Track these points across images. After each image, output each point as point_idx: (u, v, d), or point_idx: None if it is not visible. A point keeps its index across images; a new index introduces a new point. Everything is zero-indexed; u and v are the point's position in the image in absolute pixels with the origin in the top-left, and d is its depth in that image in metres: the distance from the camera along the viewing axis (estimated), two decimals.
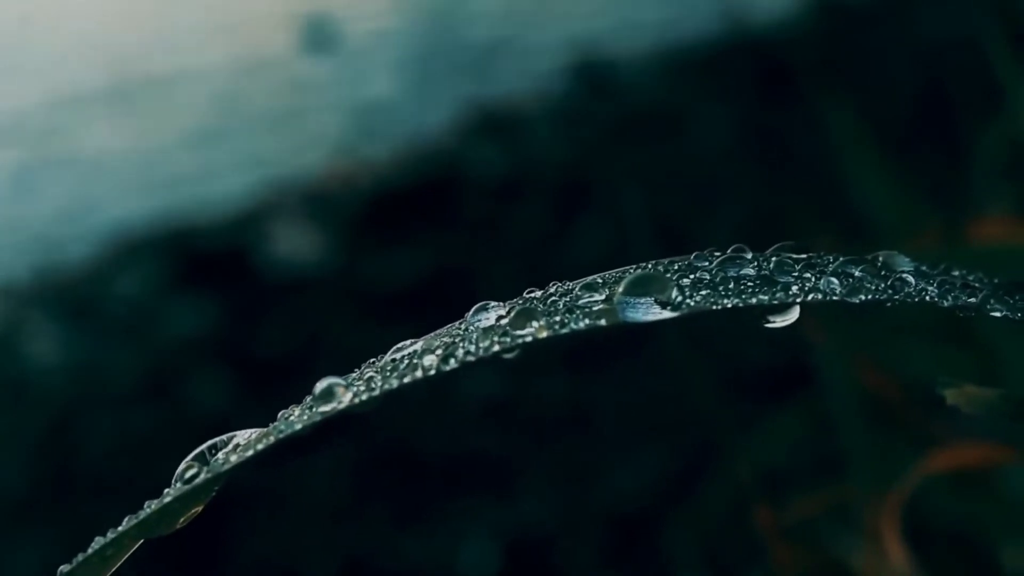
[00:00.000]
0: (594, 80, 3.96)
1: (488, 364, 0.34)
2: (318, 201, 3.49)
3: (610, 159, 3.35)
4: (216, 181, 3.67)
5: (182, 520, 0.35)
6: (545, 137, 3.65)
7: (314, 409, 0.35)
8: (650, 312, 0.34)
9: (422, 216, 3.28)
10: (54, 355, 2.94)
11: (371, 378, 0.35)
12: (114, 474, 2.41)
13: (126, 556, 0.35)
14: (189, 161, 3.89)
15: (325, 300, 2.95)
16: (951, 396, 0.46)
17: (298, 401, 0.37)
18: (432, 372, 0.34)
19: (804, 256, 0.38)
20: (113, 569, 0.35)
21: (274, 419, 0.37)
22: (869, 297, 0.37)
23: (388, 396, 0.33)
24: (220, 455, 0.36)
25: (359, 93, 4.22)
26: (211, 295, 3.05)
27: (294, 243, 3.29)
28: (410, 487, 2.32)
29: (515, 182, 3.36)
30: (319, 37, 4.58)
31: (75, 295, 3.16)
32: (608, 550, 2.09)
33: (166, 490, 0.35)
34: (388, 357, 0.36)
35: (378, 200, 3.42)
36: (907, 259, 0.39)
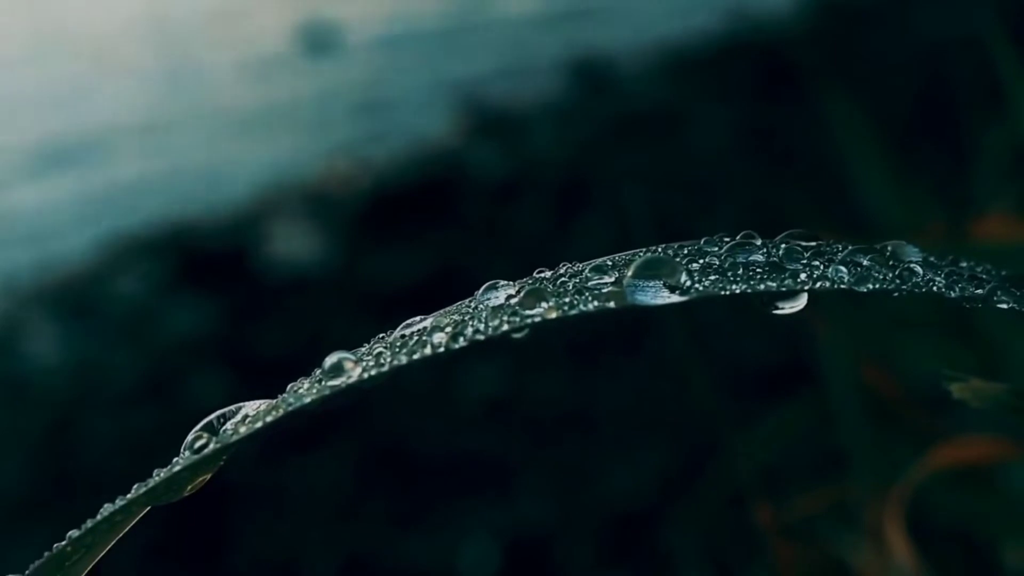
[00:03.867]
0: (594, 79, 3.96)
1: (489, 359, 0.34)
2: (318, 201, 3.49)
3: (611, 158, 3.35)
4: (217, 180, 3.67)
5: (189, 488, 0.35)
6: (544, 137, 3.65)
7: (323, 383, 0.34)
8: (659, 296, 0.34)
9: (422, 216, 3.27)
10: (54, 355, 2.94)
11: (380, 353, 0.35)
12: (114, 474, 2.41)
13: (134, 522, 0.35)
14: (190, 162, 3.89)
15: (325, 300, 2.95)
16: (957, 390, 0.46)
17: None
18: (441, 349, 0.33)
19: (813, 244, 0.38)
20: (121, 534, 0.35)
21: None
22: (877, 287, 0.36)
23: (396, 372, 0.33)
24: (229, 425, 0.35)
25: (359, 93, 4.22)
26: (211, 295, 3.05)
27: (294, 243, 3.29)
28: (410, 486, 2.32)
29: (515, 182, 3.36)
30: (319, 39, 4.58)
31: (75, 295, 3.16)
32: (608, 548, 2.08)
33: (175, 459, 0.35)
34: (397, 333, 0.36)
35: (378, 200, 3.42)
36: (916, 249, 0.39)
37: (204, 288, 3.10)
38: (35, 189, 3.84)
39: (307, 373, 0.37)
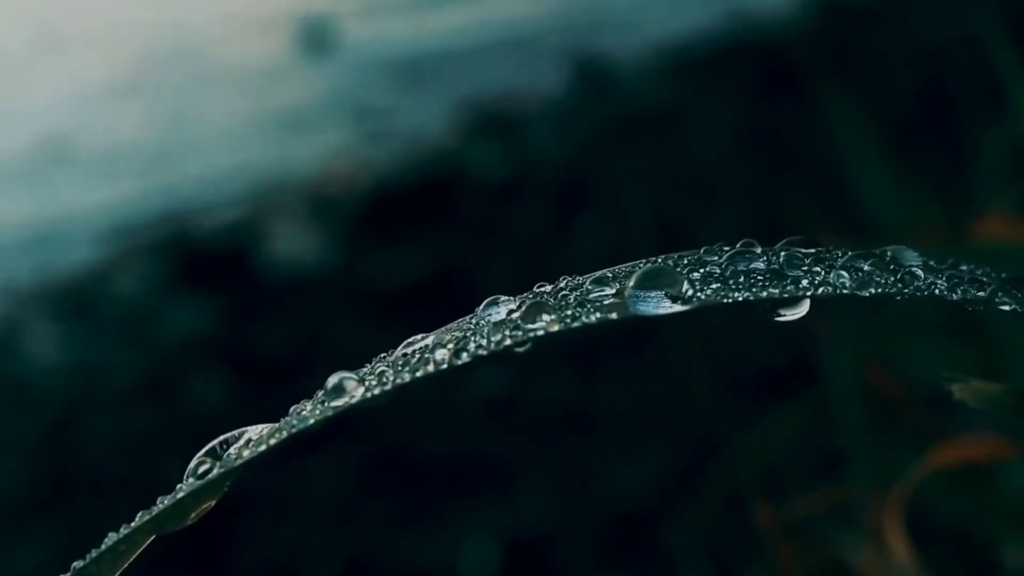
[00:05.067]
0: (594, 79, 3.96)
1: (490, 362, 0.34)
2: (318, 201, 3.49)
3: (611, 158, 3.35)
4: (218, 180, 3.67)
5: (194, 515, 0.35)
6: (544, 137, 3.65)
7: (326, 404, 0.35)
8: (661, 306, 0.34)
9: (422, 216, 3.28)
10: (54, 355, 2.94)
11: (383, 372, 0.35)
12: (114, 474, 2.41)
13: (139, 552, 0.35)
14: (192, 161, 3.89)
15: (325, 300, 2.95)
16: (958, 391, 0.46)
17: (299, 401, 0.37)
18: (444, 366, 0.34)
19: (813, 250, 0.38)
20: (126, 564, 0.35)
21: (275, 418, 0.37)
22: (878, 291, 0.36)
23: (399, 390, 0.33)
24: (232, 450, 0.36)
25: (358, 93, 4.22)
26: (211, 295, 3.05)
27: (294, 243, 3.29)
28: (411, 486, 2.32)
29: (515, 182, 3.36)
30: (318, 38, 4.58)
31: (75, 295, 3.16)
32: (609, 548, 2.09)
33: (178, 485, 0.35)
34: (399, 351, 0.36)
35: (378, 200, 3.42)
36: (915, 253, 0.39)
37: (204, 288, 3.10)
38: (35, 189, 3.84)
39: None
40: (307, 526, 2.22)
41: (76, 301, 3.13)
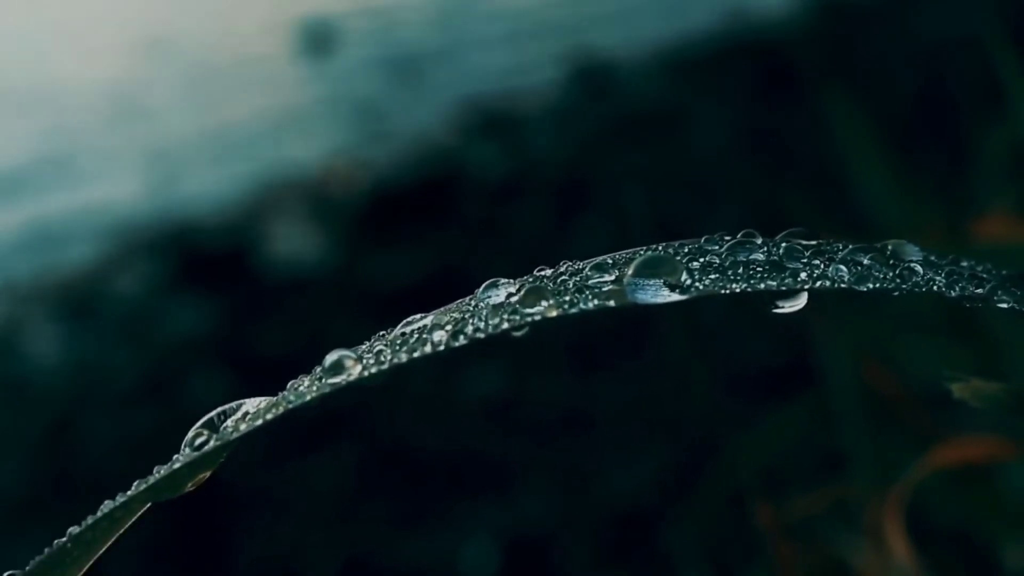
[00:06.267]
0: (594, 79, 3.96)
1: (489, 361, 0.34)
2: (318, 201, 3.49)
3: (611, 158, 3.35)
4: (218, 180, 3.67)
5: (190, 485, 0.35)
6: (544, 137, 3.65)
7: (323, 380, 0.35)
8: (659, 294, 0.34)
9: (422, 216, 3.27)
10: (54, 355, 2.94)
11: (380, 351, 0.35)
12: (114, 474, 2.41)
13: (134, 519, 0.35)
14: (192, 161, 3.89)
15: (325, 300, 2.95)
16: (958, 390, 0.46)
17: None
18: (441, 347, 0.34)
19: (814, 243, 0.38)
20: (122, 531, 0.35)
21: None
22: (877, 286, 0.36)
23: (396, 371, 0.33)
24: (229, 422, 0.36)
25: (358, 93, 4.22)
26: (211, 295, 3.05)
27: (294, 243, 3.29)
28: (411, 487, 2.32)
29: (514, 182, 3.36)
30: (318, 38, 4.58)
31: (75, 295, 3.16)
32: (609, 548, 2.08)
33: (175, 456, 0.35)
34: (398, 331, 0.36)
35: (378, 200, 3.42)
36: (916, 248, 0.39)
37: (204, 288, 3.10)
38: (36, 189, 3.84)
39: (307, 373, 0.37)
40: (307, 525, 2.22)
41: (76, 301, 3.13)
